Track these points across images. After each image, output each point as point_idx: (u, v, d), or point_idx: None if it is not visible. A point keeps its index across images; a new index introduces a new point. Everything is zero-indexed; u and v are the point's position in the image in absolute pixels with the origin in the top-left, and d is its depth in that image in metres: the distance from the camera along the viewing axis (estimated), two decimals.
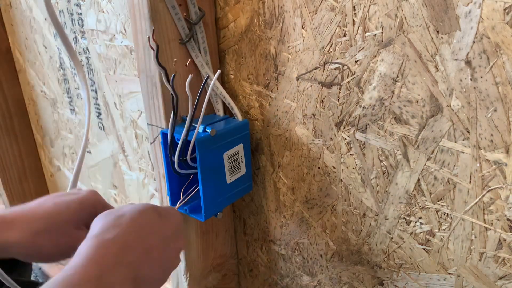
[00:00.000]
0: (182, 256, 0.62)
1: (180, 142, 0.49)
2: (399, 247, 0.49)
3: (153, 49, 0.44)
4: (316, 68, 0.49)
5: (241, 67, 0.57)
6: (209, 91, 0.48)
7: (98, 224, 0.39)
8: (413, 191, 0.46)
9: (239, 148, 0.55)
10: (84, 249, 0.36)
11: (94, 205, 0.46)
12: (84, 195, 0.46)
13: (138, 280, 0.36)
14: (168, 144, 0.50)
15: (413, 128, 0.43)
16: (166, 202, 0.58)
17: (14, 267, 0.59)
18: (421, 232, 0.47)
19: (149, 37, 0.44)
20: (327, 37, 0.47)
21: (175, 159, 0.50)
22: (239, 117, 0.56)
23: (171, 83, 0.46)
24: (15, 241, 0.40)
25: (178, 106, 0.48)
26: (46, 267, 1.09)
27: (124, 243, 0.37)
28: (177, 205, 0.55)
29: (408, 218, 0.47)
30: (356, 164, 0.50)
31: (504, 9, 0.34)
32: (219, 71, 0.47)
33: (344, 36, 0.45)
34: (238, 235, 0.71)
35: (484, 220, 0.41)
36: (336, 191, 0.53)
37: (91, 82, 0.78)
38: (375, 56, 0.44)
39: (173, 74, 0.46)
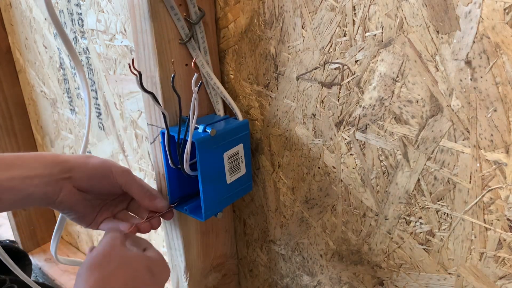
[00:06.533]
0: (182, 256, 0.62)
1: (188, 144, 0.49)
2: (399, 247, 0.49)
3: (136, 75, 0.45)
4: (316, 68, 0.49)
5: (241, 67, 0.57)
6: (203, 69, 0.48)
7: (90, 279, 0.41)
8: (413, 191, 0.46)
9: (239, 148, 0.55)
10: None
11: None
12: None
13: None
14: (166, 147, 0.51)
15: (413, 128, 0.43)
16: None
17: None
18: (421, 232, 0.47)
19: (129, 65, 0.44)
20: (327, 37, 0.47)
21: (186, 162, 0.50)
22: (240, 117, 0.56)
23: (172, 84, 0.46)
24: (60, 201, 0.45)
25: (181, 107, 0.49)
26: (46, 267, 1.09)
27: None
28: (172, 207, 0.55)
29: (408, 218, 0.47)
30: (356, 164, 0.50)
31: (504, 9, 0.34)
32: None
33: (344, 36, 0.45)
34: (238, 235, 0.71)
35: (484, 220, 0.41)
36: (336, 191, 0.53)
37: (91, 82, 0.78)
38: (375, 56, 0.44)
39: (172, 75, 0.46)
